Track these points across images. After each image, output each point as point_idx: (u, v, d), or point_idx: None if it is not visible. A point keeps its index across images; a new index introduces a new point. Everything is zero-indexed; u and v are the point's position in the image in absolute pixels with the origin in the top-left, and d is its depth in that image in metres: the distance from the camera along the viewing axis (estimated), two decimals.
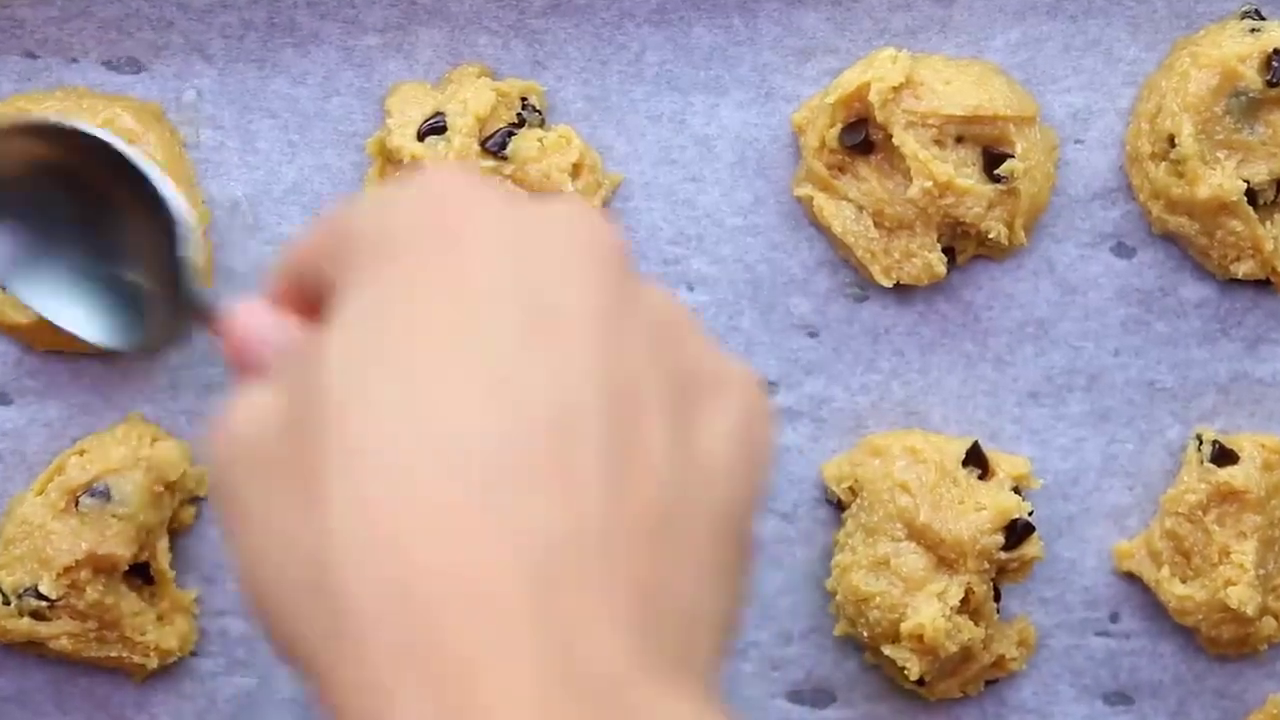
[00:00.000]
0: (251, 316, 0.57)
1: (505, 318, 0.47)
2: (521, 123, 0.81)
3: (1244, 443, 0.82)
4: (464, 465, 0.45)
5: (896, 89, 0.80)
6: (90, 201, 0.71)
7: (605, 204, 0.83)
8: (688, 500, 0.48)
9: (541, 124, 0.82)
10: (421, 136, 0.80)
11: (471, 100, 0.80)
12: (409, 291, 0.48)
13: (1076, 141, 0.83)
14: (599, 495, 0.46)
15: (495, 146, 0.80)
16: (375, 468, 0.45)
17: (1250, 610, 0.80)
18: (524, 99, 0.82)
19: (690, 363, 0.50)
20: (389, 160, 0.81)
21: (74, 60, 0.82)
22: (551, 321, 0.48)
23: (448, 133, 0.80)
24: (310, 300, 0.54)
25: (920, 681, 0.81)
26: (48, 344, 0.82)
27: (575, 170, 0.81)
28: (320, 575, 0.46)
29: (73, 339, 0.78)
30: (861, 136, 0.81)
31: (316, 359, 0.48)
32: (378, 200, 0.53)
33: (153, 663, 0.81)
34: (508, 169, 0.80)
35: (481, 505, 0.45)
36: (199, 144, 0.83)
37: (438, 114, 0.80)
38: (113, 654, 0.80)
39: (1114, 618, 0.84)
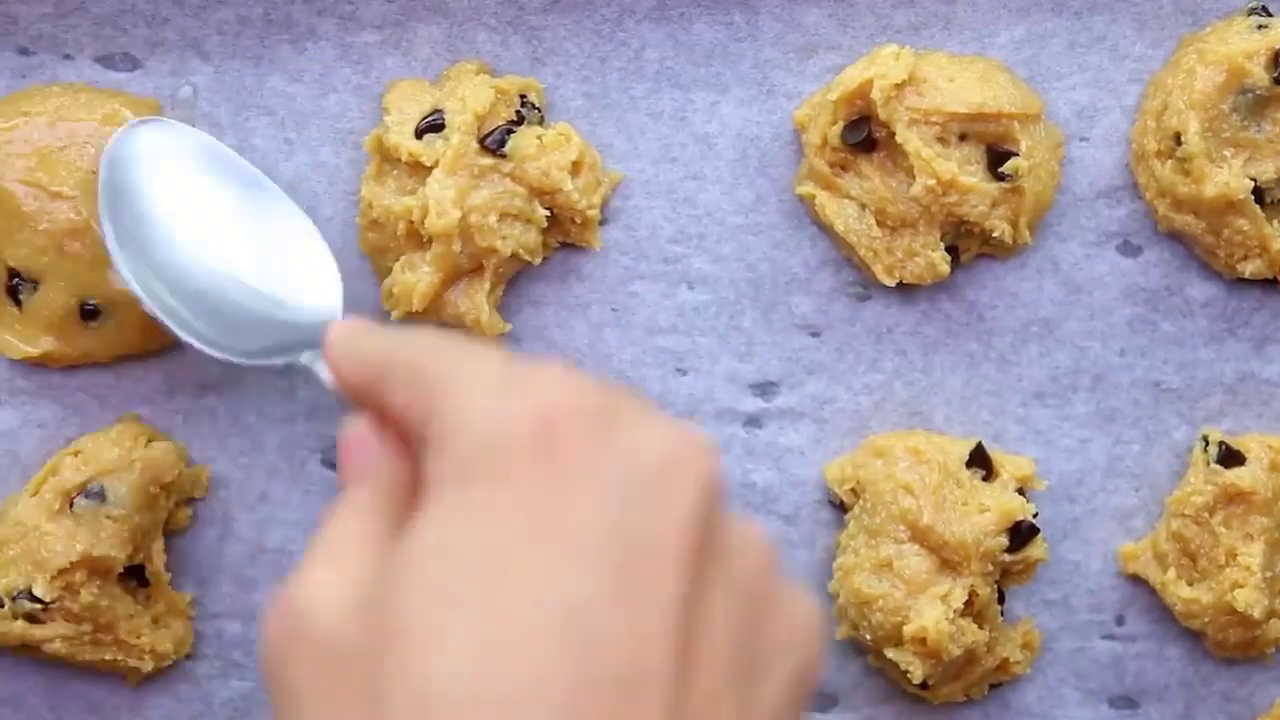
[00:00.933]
0: (358, 444, 0.58)
1: (593, 568, 0.48)
2: (520, 120, 0.81)
3: (1251, 444, 0.82)
4: (527, 717, 0.46)
5: (899, 86, 0.80)
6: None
7: (605, 202, 0.82)
8: None
9: (541, 121, 0.82)
10: (420, 134, 0.80)
11: (470, 98, 0.80)
12: (503, 525, 0.49)
13: (1081, 139, 0.83)
14: None
15: (494, 144, 0.80)
16: (438, 713, 0.46)
17: (1257, 613, 0.80)
18: (523, 96, 0.82)
19: (764, 616, 0.52)
20: (386, 158, 0.81)
21: (68, 56, 0.82)
22: (639, 571, 0.48)
23: (446, 130, 0.80)
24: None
25: (923, 685, 0.81)
26: (62, 364, 0.82)
27: (575, 168, 0.81)
28: None
29: (86, 356, 0.80)
30: (864, 134, 0.81)
31: (398, 578, 0.49)
32: (487, 389, 0.53)
33: (148, 666, 0.80)
34: (507, 167, 0.80)
35: None
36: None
37: (436, 111, 0.80)
38: (107, 657, 0.80)
39: (1119, 620, 0.84)
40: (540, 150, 0.80)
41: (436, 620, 0.48)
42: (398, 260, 0.81)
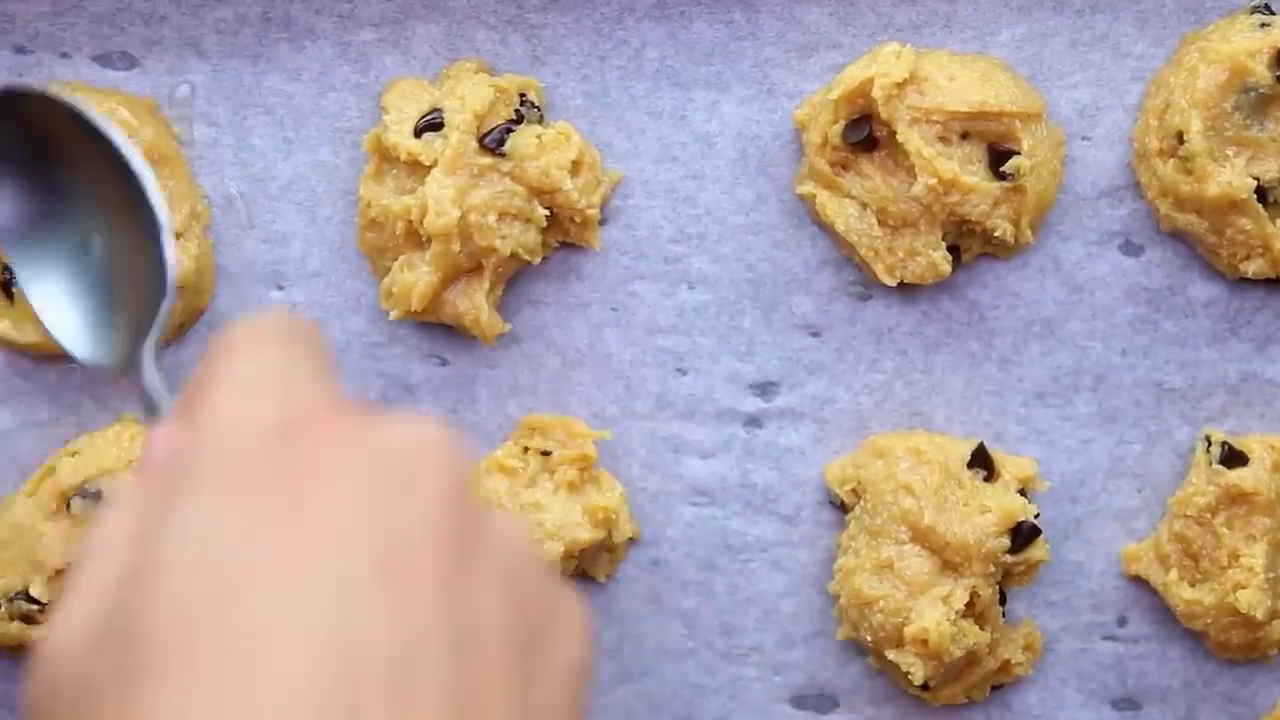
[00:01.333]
0: (160, 441, 0.56)
1: (349, 561, 0.47)
2: (520, 119, 0.81)
3: (1254, 444, 0.82)
4: (296, 714, 0.45)
5: (900, 85, 0.80)
6: (85, 196, 0.71)
7: (605, 202, 0.82)
8: None
9: (540, 120, 0.82)
10: (419, 133, 0.80)
11: (469, 96, 0.80)
12: (251, 525, 0.48)
13: (1083, 138, 0.83)
14: None
15: (493, 143, 0.79)
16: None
17: (1260, 614, 0.80)
18: (522, 95, 0.81)
19: (534, 604, 0.51)
20: (385, 157, 0.81)
21: (65, 55, 0.82)
22: (397, 561, 0.48)
23: (445, 129, 0.80)
24: None
25: (924, 686, 0.81)
26: (44, 356, 0.82)
27: (574, 167, 0.81)
28: None
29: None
30: (865, 133, 0.81)
31: (140, 594, 0.47)
32: (237, 390, 0.52)
33: None
34: (506, 166, 0.80)
35: None
36: (193, 140, 0.82)
37: (435, 110, 0.80)
38: None
39: (1122, 621, 0.84)
40: (540, 149, 0.80)
41: (183, 634, 0.46)
42: (396, 259, 0.81)
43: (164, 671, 0.46)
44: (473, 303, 0.81)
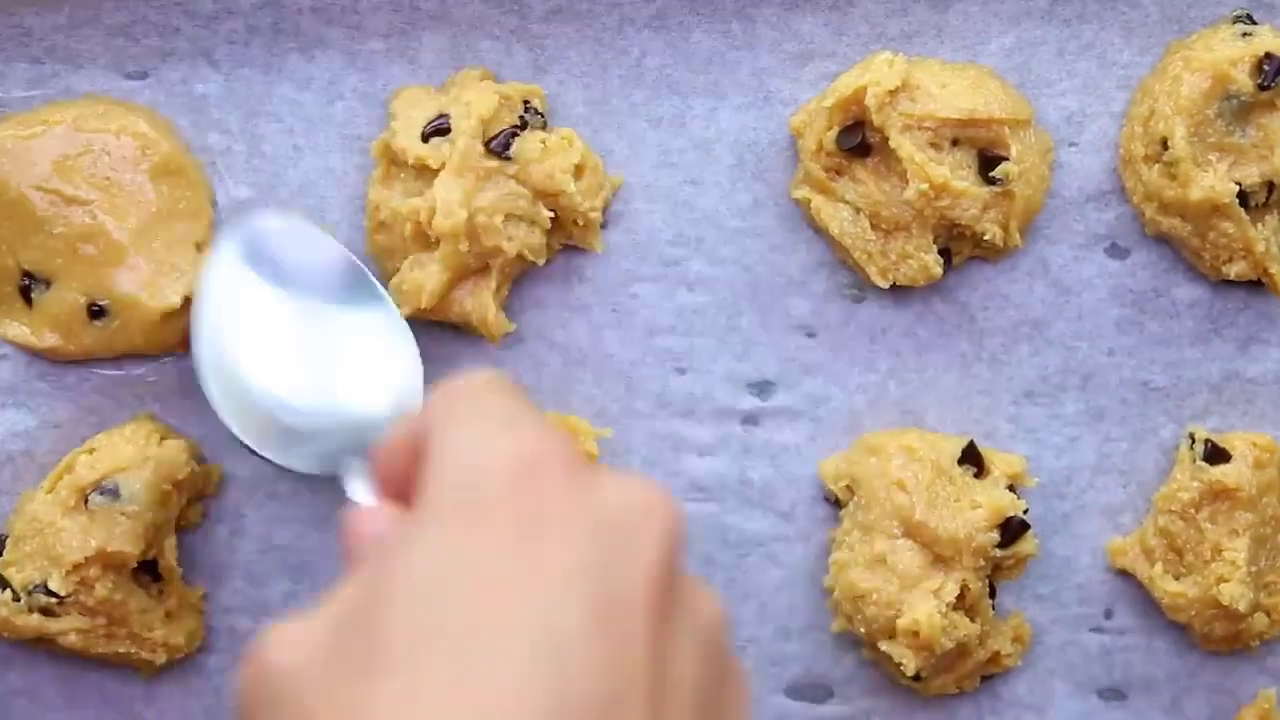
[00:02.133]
0: (364, 523, 0.60)
1: (570, 601, 0.50)
2: (524, 125, 0.81)
3: (1236, 441, 0.82)
4: None
5: (893, 92, 0.80)
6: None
7: (606, 206, 0.83)
8: None
9: (544, 126, 0.82)
10: (426, 138, 0.81)
11: (475, 102, 0.80)
12: (483, 556, 0.51)
13: (1071, 144, 0.83)
14: None
15: (499, 148, 0.80)
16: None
17: (1242, 607, 0.80)
18: (526, 102, 0.82)
19: (721, 670, 0.54)
20: (393, 162, 0.81)
21: (81, 67, 0.83)
22: (613, 612, 0.50)
23: (452, 134, 0.80)
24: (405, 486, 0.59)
25: (916, 677, 0.81)
26: (65, 358, 0.83)
27: (577, 171, 0.81)
28: None
29: (88, 352, 0.81)
30: (858, 139, 0.81)
31: (377, 606, 0.50)
32: (476, 427, 0.55)
33: (161, 659, 0.81)
34: (511, 169, 0.80)
35: None
36: (206, 148, 0.83)
37: (441, 116, 0.81)
38: (121, 650, 0.81)
39: (1108, 614, 0.84)
40: (544, 154, 0.81)
41: (413, 642, 0.49)
42: (405, 259, 0.81)
43: (391, 670, 0.49)
44: (480, 302, 0.81)
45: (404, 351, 0.78)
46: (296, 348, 0.77)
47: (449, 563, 0.51)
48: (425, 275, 0.80)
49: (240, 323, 0.76)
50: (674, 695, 0.51)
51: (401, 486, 0.60)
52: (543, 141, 0.81)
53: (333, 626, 0.52)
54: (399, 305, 0.81)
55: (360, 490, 0.69)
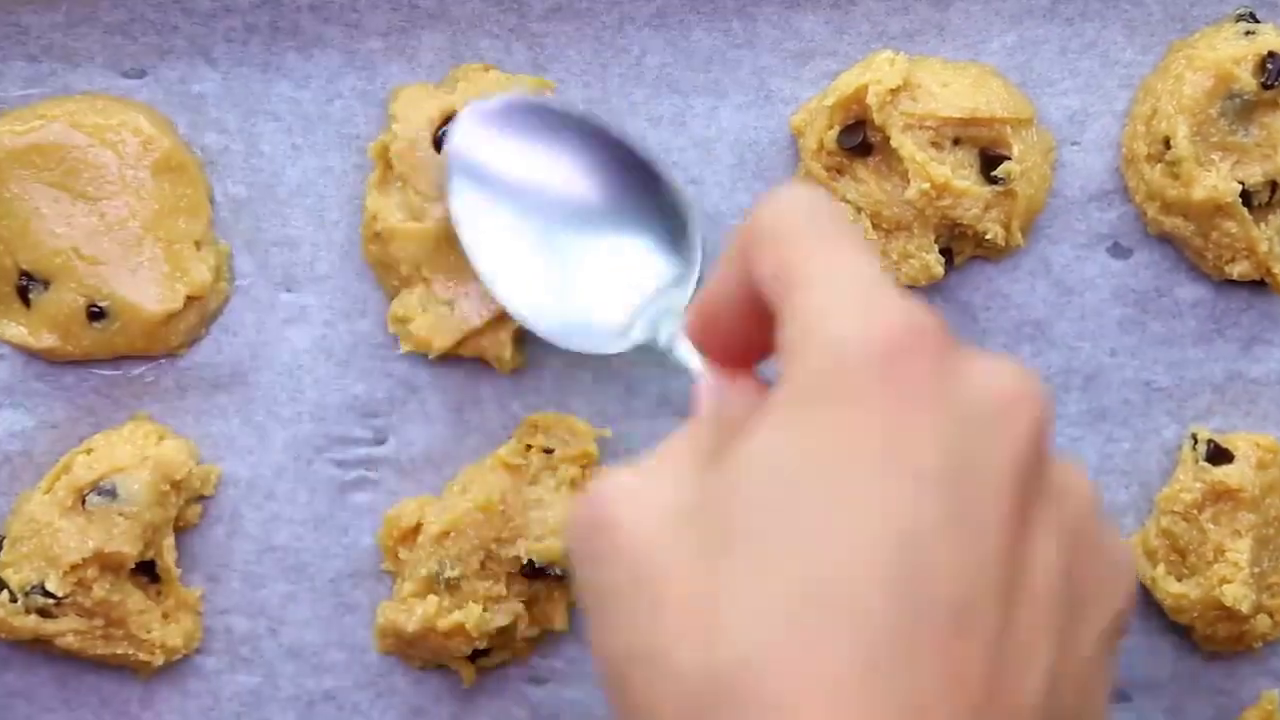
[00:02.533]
0: (714, 394, 0.59)
1: (928, 496, 0.48)
2: None
3: (1239, 442, 0.82)
4: (857, 639, 0.46)
5: (894, 91, 0.80)
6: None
7: None
8: (1057, 712, 0.49)
9: None
10: (438, 144, 0.80)
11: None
12: (843, 443, 0.49)
13: (1073, 143, 0.83)
14: (980, 691, 0.47)
15: None
16: (772, 620, 0.47)
17: (1245, 608, 0.80)
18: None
19: (1086, 558, 0.51)
20: (391, 165, 0.81)
21: (78, 65, 0.83)
22: (972, 503, 0.48)
23: None
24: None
25: None
26: (62, 359, 0.83)
27: None
28: (698, 707, 0.47)
29: (87, 354, 0.81)
30: (859, 139, 0.81)
31: (725, 486, 0.49)
32: (847, 302, 0.52)
33: (158, 660, 0.81)
34: None
35: (868, 682, 0.45)
36: (204, 146, 0.83)
37: (450, 117, 0.80)
38: (119, 651, 0.81)
39: None
40: None
41: (764, 527, 0.47)
42: (409, 287, 0.81)
43: (738, 553, 0.48)
44: (497, 341, 0.82)
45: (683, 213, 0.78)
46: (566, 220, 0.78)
47: (808, 451, 0.49)
48: (436, 323, 0.81)
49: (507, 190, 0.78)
50: (1030, 599, 0.49)
51: (728, 340, 0.59)
52: None
53: (683, 497, 0.51)
54: (403, 342, 0.81)
55: (690, 355, 0.66)
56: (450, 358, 0.83)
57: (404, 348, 0.82)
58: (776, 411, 0.50)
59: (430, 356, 0.82)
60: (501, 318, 0.81)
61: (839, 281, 0.53)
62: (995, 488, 0.49)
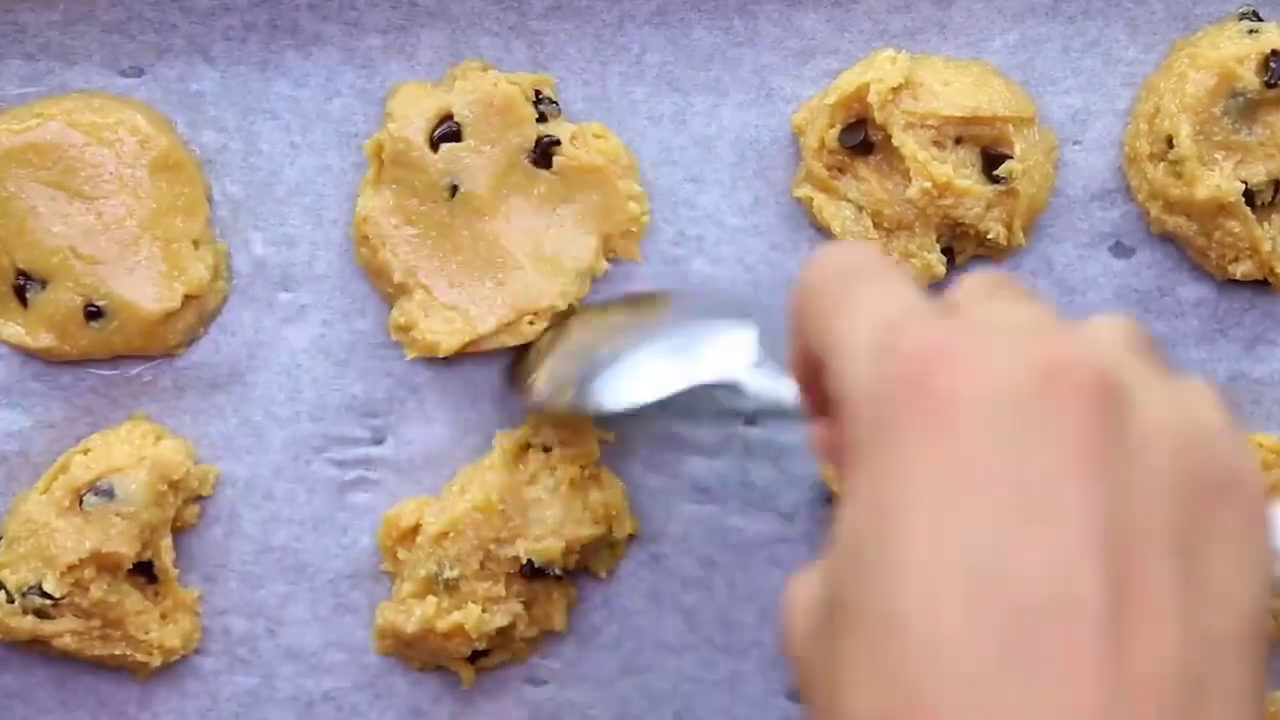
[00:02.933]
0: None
1: (991, 506, 0.47)
2: (543, 118, 0.81)
3: None
4: (947, 671, 0.46)
5: (896, 90, 0.80)
6: None
7: None
8: (1210, 654, 0.48)
9: (558, 114, 0.82)
10: (435, 144, 0.80)
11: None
12: (891, 488, 0.49)
13: (1075, 142, 0.83)
14: (1100, 676, 0.46)
15: (538, 160, 0.81)
16: (874, 677, 0.47)
17: None
18: (538, 91, 0.82)
19: (1199, 476, 0.49)
20: (387, 163, 0.81)
21: (76, 64, 0.82)
22: (1041, 498, 0.47)
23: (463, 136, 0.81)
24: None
25: None
26: (59, 359, 0.83)
27: (622, 173, 0.82)
28: None
29: (84, 353, 0.81)
30: (861, 137, 0.81)
31: (835, 559, 0.50)
32: (861, 349, 0.52)
33: (156, 661, 0.81)
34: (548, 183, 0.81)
35: (967, 704, 0.45)
36: (202, 145, 0.83)
37: (448, 117, 0.80)
38: (116, 652, 0.81)
39: None
40: (590, 168, 0.81)
41: (855, 590, 0.48)
42: (396, 285, 0.81)
43: (852, 625, 0.48)
44: (501, 341, 0.82)
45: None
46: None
47: (859, 508, 0.49)
48: (443, 328, 0.81)
49: None
50: (1137, 551, 0.47)
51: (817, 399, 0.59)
52: (572, 138, 0.81)
53: (824, 587, 0.51)
54: (408, 349, 0.82)
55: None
56: (450, 357, 0.83)
57: (410, 354, 0.82)
58: (854, 470, 0.51)
59: (441, 354, 0.82)
60: (511, 322, 0.81)
61: (856, 329, 0.53)
62: (1063, 474, 0.47)
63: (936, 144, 0.81)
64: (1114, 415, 0.49)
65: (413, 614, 0.80)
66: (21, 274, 0.81)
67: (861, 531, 0.49)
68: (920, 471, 0.48)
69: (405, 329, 0.81)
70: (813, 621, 0.51)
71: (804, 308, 0.57)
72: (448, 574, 0.80)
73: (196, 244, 0.82)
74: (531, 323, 0.81)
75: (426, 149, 0.80)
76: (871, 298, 0.54)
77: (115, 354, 0.82)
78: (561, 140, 0.81)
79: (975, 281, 0.56)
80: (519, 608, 0.81)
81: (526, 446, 0.82)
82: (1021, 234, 0.82)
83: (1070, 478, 0.47)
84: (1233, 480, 0.50)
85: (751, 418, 0.83)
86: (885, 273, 0.55)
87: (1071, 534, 0.47)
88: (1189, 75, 0.80)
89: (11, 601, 0.79)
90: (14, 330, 0.81)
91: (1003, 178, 0.80)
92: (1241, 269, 0.81)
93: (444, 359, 0.83)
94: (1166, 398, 0.50)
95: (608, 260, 0.83)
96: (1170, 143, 0.80)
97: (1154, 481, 0.49)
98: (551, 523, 0.80)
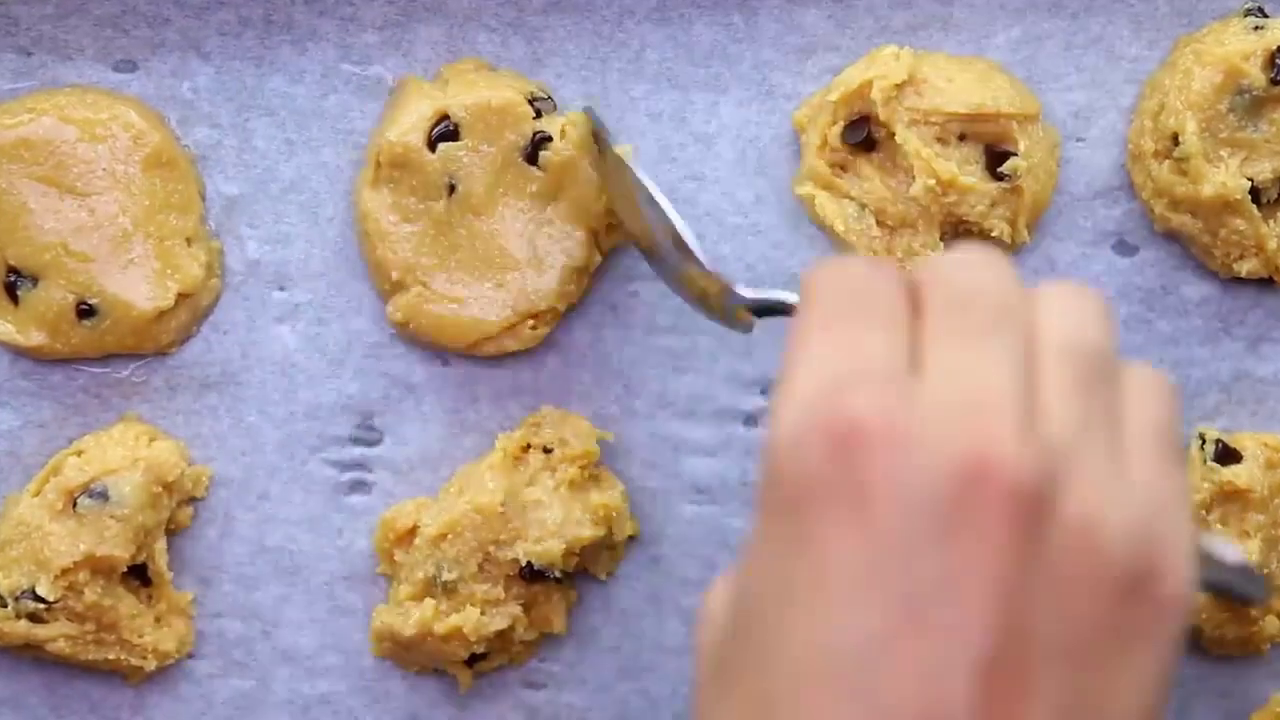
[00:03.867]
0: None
1: (881, 611, 0.47)
2: (539, 114, 0.81)
3: (1247, 441, 0.82)
4: None
5: (899, 86, 0.80)
6: None
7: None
8: None
9: (554, 110, 0.82)
10: (432, 144, 0.80)
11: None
12: (807, 565, 0.49)
13: (1078, 140, 0.83)
14: None
15: (527, 156, 0.81)
16: None
17: (1253, 610, 0.80)
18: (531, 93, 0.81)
19: (1119, 573, 0.49)
20: (385, 163, 0.80)
21: (69, 58, 0.82)
22: (933, 610, 0.47)
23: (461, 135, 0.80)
24: None
25: None
26: (50, 357, 0.82)
27: None
28: None
29: (76, 352, 0.80)
30: (863, 134, 0.81)
31: (736, 603, 0.52)
32: (795, 398, 0.52)
33: (150, 665, 0.81)
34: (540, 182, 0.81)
35: None
36: (196, 142, 0.82)
37: (444, 117, 0.80)
38: (110, 656, 0.80)
39: None
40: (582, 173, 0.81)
41: (721, 667, 0.50)
42: (394, 283, 0.81)
43: (710, 687, 0.51)
44: (502, 342, 0.82)
45: None
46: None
47: (755, 575, 0.51)
48: (440, 323, 0.81)
49: None
50: (1025, 662, 0.47)
51: None
52: (562, 132, 0.80)
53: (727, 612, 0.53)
54: (408, 340, 0.82)
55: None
56: (448, 357, 0.82)
57: (401, 333, 0.81)
58: (759, 520, 0.52)
59: (429, 353, 0.81)
60: (514, 323, 0.81)
61: (802, 386, 0.52)
62: (962, 575, 0.48)
63: (940, 141, 0.80)
64: (1030, 527, 0.48)
65: (410, 616, 0.80)
66: (13, 271, 0.80)
67: (762, 597, 0.49)
68: (828, 555, 0.48)
69: (403, 325, 0.81)
70: (716, 639, 0.52)
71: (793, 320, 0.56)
72: (446, 576, 0.80)
73: (190, 241, 0.81)
74: (534, 327, 0.81)
75: (425, 150, 0.80)
76: (834, 341, 0.53)
77: (107, 352, 0.81)
78: (553, 136, 0.80)
79: (949, 269, 0.55)
80: (518, 610, 0.80)
81: (526, 447, 0.82)
82: (1025, 231, 0.81)
83: (969, 591, 0.47)
84: (1154, 572, 0.50)
85: (752, 418, 0.83)
86: (864, 312, 0.54)
87: (954, 651, 0.47)
88: (1194, 72, 0.80)
89: (4, 606, 0.78)
90: (4, 328, 0.81)
91: (1007, 175, 0.80)
92: (1246, 267, 0.81)
93: (442, 360, 0.82)
94: (1103, 479, 0.50)
95: (601, 254, 0.82)
96: (1175, 140, 0.80)
97: (1063, 591, 0.49)
98: (551, 524, 0.80)
